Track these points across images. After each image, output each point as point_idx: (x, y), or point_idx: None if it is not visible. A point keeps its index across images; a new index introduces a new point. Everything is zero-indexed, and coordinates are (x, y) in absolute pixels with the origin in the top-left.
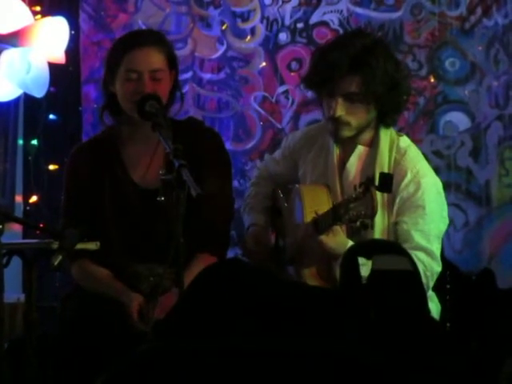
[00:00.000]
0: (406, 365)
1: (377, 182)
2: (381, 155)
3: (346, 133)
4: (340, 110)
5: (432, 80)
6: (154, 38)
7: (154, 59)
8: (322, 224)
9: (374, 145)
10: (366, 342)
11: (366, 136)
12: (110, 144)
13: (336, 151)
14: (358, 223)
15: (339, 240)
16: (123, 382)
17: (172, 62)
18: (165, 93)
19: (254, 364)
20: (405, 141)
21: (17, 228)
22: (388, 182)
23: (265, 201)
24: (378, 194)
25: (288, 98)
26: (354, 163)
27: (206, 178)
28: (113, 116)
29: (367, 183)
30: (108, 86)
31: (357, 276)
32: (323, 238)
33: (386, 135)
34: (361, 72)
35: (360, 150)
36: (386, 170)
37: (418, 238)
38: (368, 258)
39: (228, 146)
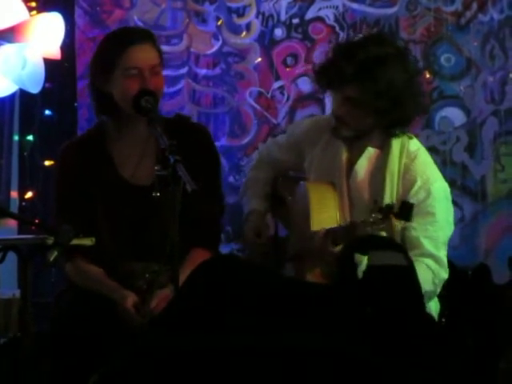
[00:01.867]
0: (402, 360)
1: (397, 209)
2: (391, 160)
3: (344, 132)
4: (339, 110)
5: (428, 76)
6: (146, 34)
7: (152, 55)
8: (339, 239)
9: (384, 148)
10: (362, 337)
11: (376, 138)
12: (99, 142)
13: (344, 151)
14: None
15: None
16: (118, 378)
17: (162, 57)
18: (163, 86)
19: (250, 360)
20: (414, 144)
21: (12, 224)
22: (408, 212)
23: (265, 187)
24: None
25: (283, 94)
26: (364, 165)
27: (195, 174)
28: (105, 115)
29: (387, 210)
30: (101, 86)
31: (353, 272)
32: (339, 248)
33: (397, 138)
34: (363, 81)
35: (370, 152)
36: (395, 176)
37: (427, 244)
38: (364, 253)
39: (223, 141)
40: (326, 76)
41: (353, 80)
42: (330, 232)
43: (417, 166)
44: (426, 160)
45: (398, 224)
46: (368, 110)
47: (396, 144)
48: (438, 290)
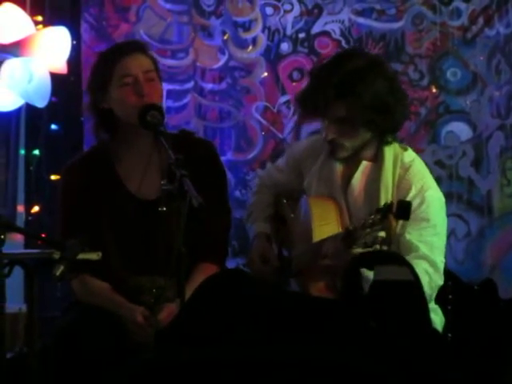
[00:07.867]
0: (407, 375)
1: (395, 209)
2: (385, 171)
3: (342, 154)
4: (331, 134)
5: (433, 90)
6: (137, 44)
7: (144, 61)
8: (351, 240)
9: (377, 160)
10: (367, 351)
11: (370, 151)
12: (104, 158)
13: (340, 167)
14: (373, 249)
15: None
16: None
17: (156, 65)
18: (160, 93)
19: (255, 374)
20: (409, 155)
21: (18, 238)
22: (406, 210)
23: (267, 209)
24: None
25: (289, 108)
26: (359, 179)
27: (202, 189)
28: (107, 133)
29: (385, 210)
30: (99, 104)
31: (359, 286)
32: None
33: (389, 150)
34: (346, 98)
35: (364, 165)
36: (390, 186)
37: (423, 248)
38: (370, 268)
39: (229, 155)
40: (309, 103)
41: (337, 99)
42: (344, 234)
43: (411, 176)
44: (420, 170)
45: (395, 224)
46: (358, 125)
47: (389, 155)
48: (434, 296)
